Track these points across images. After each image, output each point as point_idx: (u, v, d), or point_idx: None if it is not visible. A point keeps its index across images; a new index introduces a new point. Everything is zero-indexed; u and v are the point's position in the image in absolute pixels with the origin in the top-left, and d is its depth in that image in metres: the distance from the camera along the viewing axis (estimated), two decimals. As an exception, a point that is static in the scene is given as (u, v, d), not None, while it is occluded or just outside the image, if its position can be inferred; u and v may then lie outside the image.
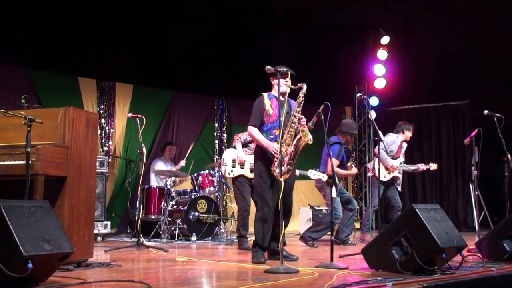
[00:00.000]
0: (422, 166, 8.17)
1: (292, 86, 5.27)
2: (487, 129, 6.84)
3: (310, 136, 5.31)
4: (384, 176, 8.06)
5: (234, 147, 7.40)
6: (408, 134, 8.34)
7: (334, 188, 7.39)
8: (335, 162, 7.22)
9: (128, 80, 10.29)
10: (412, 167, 8.24)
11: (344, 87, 12.21)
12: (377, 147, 8.30)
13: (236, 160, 7.21)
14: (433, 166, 8.21)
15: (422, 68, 11.69)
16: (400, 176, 8.21)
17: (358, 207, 8.08)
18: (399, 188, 8.29)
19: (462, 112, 12.08)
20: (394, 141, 8.27)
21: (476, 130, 6.96)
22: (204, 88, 11.06)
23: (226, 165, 7.29)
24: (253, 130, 5.44)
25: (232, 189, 9.98)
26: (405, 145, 8.47)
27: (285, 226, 5.52)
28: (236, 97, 11.33)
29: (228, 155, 7.38)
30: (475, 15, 10.53)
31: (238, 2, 10.48)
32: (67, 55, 9.36)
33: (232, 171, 7.21)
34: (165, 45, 10.51)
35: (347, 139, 7.76)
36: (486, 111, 6.59)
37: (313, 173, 6.91)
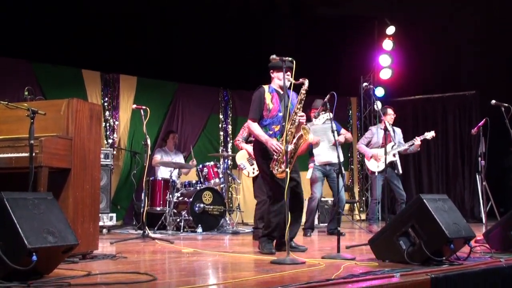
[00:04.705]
0: (417, 138, 7.99)
1: (294, 81, 5.12)
2: (494, 120, 6.78)
3: (311, 135, 5.24)
4: (378, 166, 8.03)
5: (241, 149, 7.31)
6: (387, 117, 8.18)
7: (310, 170, 7.45)
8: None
9: (132, 72, 10.26)
10: (407, 145, 8.09)
11: (349, 78, 12.13)
12: (360, 141, 8.32)
13: (251, 158, 7.09)
14: (429, 134, 7.96)
15: (428, 58, 11.61)
16: (396, 159, 8.12)
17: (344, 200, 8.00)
18: (400, 171, 8.17)
19: (469, 102, 12.01)
20: (374, 133, 8.27)
21: (484, 120, 6.88)
22: (209, 80, 11.01)
23: (245, 168, 7.19)
24: (253, 125, 5.34)
25: (239, 181, 10.02)
26: (398, 130, 8.39)
27: (297, 220, 5.51)
28: (241, 88, 11.27)
29: (241, 157, 7.27)
30: (482, 4, 10.43)
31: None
32: (70, 47, 9.31)
33: (253, 169, 7.09)
34: (169, 36, 10.46)
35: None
36: (493, 101, 6.51)
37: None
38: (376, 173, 8.05)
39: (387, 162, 7.52)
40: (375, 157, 8.07)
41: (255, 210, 7.08)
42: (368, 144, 8.33)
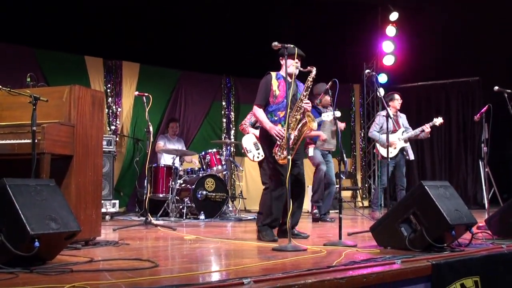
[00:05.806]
0: (426, 125, 8.02)
1: (302, 69, 5.14)
2: (497, 106, 6.76)
3: (315, 123, 5.23)
4: (391, 152, 8.01)
5: (247, 133, 7.29)
6: (394, 103, 8.23)
7: (311, 148, 7.53)
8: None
9: (135, 58, 10.23)
10: (415, 131, 8.13)
11: (352, 65, 12.11)
12: (371, 128, 8.31)
13: (258, 143, 7.07)
14: (438, 121, 8.01)
15: (431, 45, 11.56)
16: (407, 144, 8.17)
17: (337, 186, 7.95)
18: (412, 157, 8.23)
19: (472, 89, 11.97)
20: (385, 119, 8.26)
21: (486, 106, 6.86)
22: (212, 67, 10.97)
23: (250, 151, 7.15)
24: (258, 111, 5.34)
25: (241, 168, 10.02)
26: (402, 115, 8.39)
27: (300, 207, 5.52)
28: (243, 75, 11.24)
29: (247, 141, 7.22)
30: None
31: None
32: (73, 34, 9.29)
33: (259, 153, 7.07)
34: (172, 23, 10.41)
35: (324, 100, 7.70)
36: (496, 87, 6.48)
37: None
38: (389, 159, 8.04)
39: (399, 149, 7.60)
40: (392, 143, 8.04)
41: (261, 195, 7.09)
42: (379, 131, 8.28)
